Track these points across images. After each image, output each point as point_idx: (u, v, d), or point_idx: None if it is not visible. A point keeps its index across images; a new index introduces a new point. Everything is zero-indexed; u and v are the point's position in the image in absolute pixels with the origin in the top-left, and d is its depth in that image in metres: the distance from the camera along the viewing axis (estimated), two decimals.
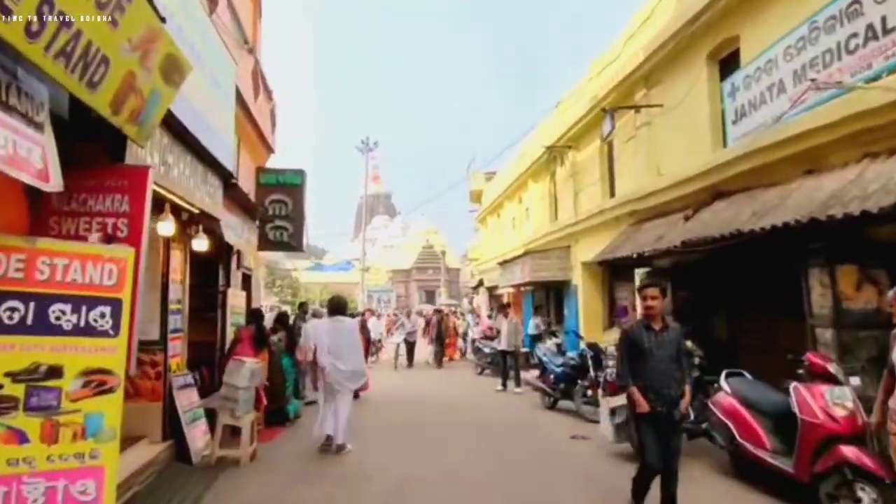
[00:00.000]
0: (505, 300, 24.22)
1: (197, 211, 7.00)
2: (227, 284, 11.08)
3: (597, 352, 10.64)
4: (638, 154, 12.14)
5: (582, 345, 11.36)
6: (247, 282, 13.15)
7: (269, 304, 28.55)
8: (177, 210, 6.80)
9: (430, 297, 75.26)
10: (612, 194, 13.92)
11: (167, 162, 5.78)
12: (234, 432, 7.34)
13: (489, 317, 22.52)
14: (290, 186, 14.13)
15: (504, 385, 14.11)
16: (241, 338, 9.12)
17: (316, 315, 13.37)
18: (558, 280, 16.57)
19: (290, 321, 13.44)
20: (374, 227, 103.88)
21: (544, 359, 11.78)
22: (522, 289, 20.86)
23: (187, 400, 7.52)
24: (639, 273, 12.24)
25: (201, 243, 7.49)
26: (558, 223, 17.27)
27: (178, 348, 7.72)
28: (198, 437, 7.43)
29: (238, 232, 9.64)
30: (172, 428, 7.17)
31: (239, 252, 11.92)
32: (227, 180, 8.09)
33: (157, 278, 7.15)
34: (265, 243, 13.91)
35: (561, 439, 8.88)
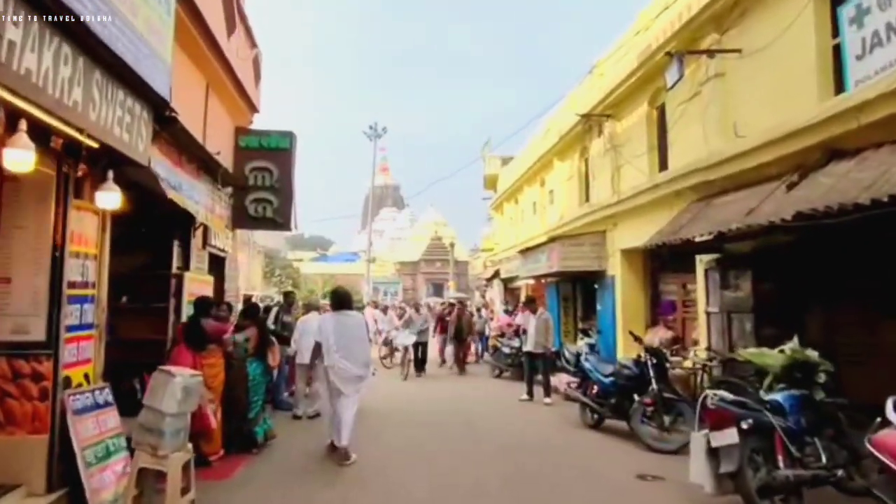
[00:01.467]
0: (523, 293, 21.88)
1: (96, 145, 4.60)
2: (186, 267, 8.71)
3: (660, 359, 8.23)
4: (704, 114, 9.68)
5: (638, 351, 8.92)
6: (218, 265, 10.78)
7: (259, 294, 26.25)
8: (74, 145, 4.43)
9: (438, 289, 73.27)
10: (665, 167, 11.46)
11: (13, 42, 3.37)
12: (159, 477, 4.97)
13: (506, 312, 20.10)
14: (275, 151, 11.77)
15: (530, 394, 11.75)
16: (177, 338, 6.81)
17: (311, 307, 10.98)
18: (591, 270, 14.13)
19: (273, 314, 11.11)
20: (382, 219, 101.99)
21: (586, 365, 9.39)
22: (544, 281, 18.43)
23: (94, 428, 5.15)
24: (703, 261, 9.81)
25: (109, 197, 5.05)
26: (591, 205, 14.82)
27: (86, 352, 5.36)
28: (106, 484, 5.05)
29: (194, 195, 7.25)
30: (65, 471, 4.81)
31: (206, 228, 9.55)
32: (161, 112, 5.67)
33: (42, 247, 4.77)
34: (245, 219, 11.56)
35: (621, 479, 6.52)
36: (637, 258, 13.18)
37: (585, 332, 14.00)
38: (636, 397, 8.16)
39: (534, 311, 12.05)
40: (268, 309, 11.71)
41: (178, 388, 5.09)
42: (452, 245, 69.82)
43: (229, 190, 10.50)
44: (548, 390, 11.48)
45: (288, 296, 11.58)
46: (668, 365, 8.50)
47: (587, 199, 15.94)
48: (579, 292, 17.19)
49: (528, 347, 11.90)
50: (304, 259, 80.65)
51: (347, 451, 7.08)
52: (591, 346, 13.45)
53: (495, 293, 27.21)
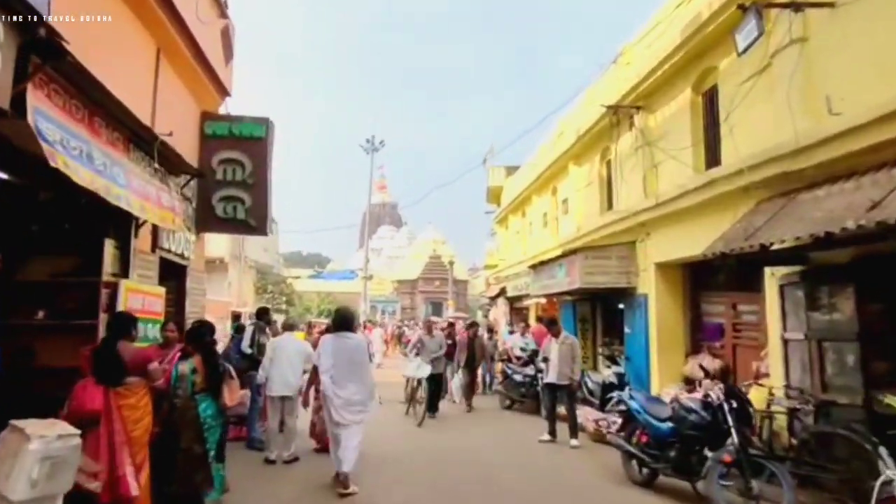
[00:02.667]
0: (532, 313, 19.82)
1: None
2: (124, 274, 6.69)
3: (741, 402, 6.21)
4: (780, 91, 7.73)
5: (708, 388, 6.85)
6: (176, 276, 8.76)
7: (249, 310, 24.17)
8: None
9: (437, 309, 71.44)
10: (715, 161, 9.52)
11: None
12: None
13: (511, 333, 18.07)
14: (249, 140, 9.84)
15: (552, 433, 9.68)
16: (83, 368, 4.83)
17: (288, 326, 8.90)
18: (618, 288, 12.12)
19: (248, 335, 9.06)
20: (380, 237, 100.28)
21: (632, 404, 7.32)
22: (558, 299, 16.39)
23: None
24: (777, 274, 7.81)
25: None
26: (617, 213, 12.83)
27: None
28: None
29: (117, 176, 5.23)
30: None
31: (157, 228, 7.56)
32: (34, 34, 3.64)
33: None
34: (211, 220, 9.58)
35: None
36: (675, 273, 11.19)
37: (612, 360, 12.02)
38: (707, 451, 6.12)
39: (556, 335, 10.01)
40: (241, 329, 9.69)
41: (34, 460, 3.07)
42: (451, 263, 67.95)
43: (189, 183, 8.51)
44: (574, 430, 9.41)
45: (263, 314, 9.52)
46: (751, 410, 6.46)
47: (610, 207, 13.98)
48: (599, 312, 15.16)
49: (550, 378, 9.84)
50: (300, 276, 78.70)
51: (347, 480, 6.45)
52: (620, 376, 11.53)
53: (500, 313, 25.13)
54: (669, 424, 6.57)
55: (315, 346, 8.77)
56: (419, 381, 11.58)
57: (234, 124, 9.85)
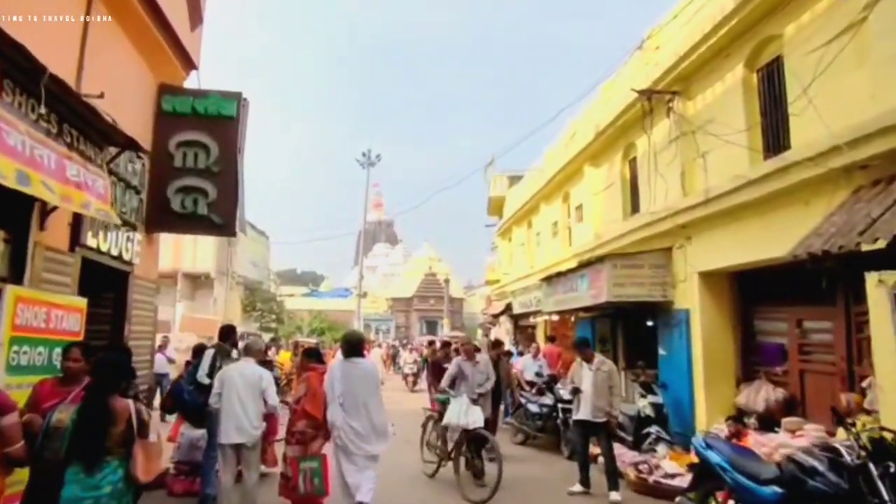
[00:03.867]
0: (540, 332, 17.87)
1: None
2: (14, 277, 4.78)
3: None
4: (879, 50, 5.95)
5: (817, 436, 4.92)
6: (114, 285, 6.83)
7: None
8: None
9: (432, 327, 69.66)
10: (780, 146, 7.70)
11: None
12: None
13: (520, 353, 16.13)
14: (215, 120, 7.98)
15: (585, 483, 7.70)
16: None
17: (250, 351, 6.80)
18: (651, 302, 10.23)
19: (206, 362, 7.08)
20: (375, 255, 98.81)
21: (714, 458, 5.34)
22: (573, 317, 14.47)
23: None
24: (884, 283, 5.92)
25: None
26: (644, 216, 10.96)
27: None
28: None
29: None
30: None
31: (78, 220, 5.66)
32: None
33: None
34: (165, 216, 7.66)
35: None
36: (722, 284, 9.33)
37: (647, 387, 10.05)
38: None
39: (588, 359, 8.06)
40: (201, 349, 7.72)
41: None
42: (447, 281, 66.27)
43: (119, 157, 6.59)
44: (615, 480, 7.42)
45: (227, 334, 7.51)
46: None
47: (635, 210, 12.14)
48: (621, 331, 13.25)
49: (582, 415, 7.84)
50: (294, 294, 76.56)
51: None
52: (658, 408, 9.61)
53: (503, 332, 23.16)
54: (775, 489, 4.62)
55: (300, 369, 7.61)
56: (466, 433, 7.66)
57: (199, 100, 8.00)
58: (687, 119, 9.71)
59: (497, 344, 12.17)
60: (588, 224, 14.59)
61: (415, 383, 21.54)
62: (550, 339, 15.28)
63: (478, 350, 10.15)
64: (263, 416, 6.21)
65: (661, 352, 10.47)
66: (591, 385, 7.74)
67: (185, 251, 27.67)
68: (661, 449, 9.05)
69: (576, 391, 8.02)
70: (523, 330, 20.76)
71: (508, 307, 18.53)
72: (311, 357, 7.32)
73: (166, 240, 28.56)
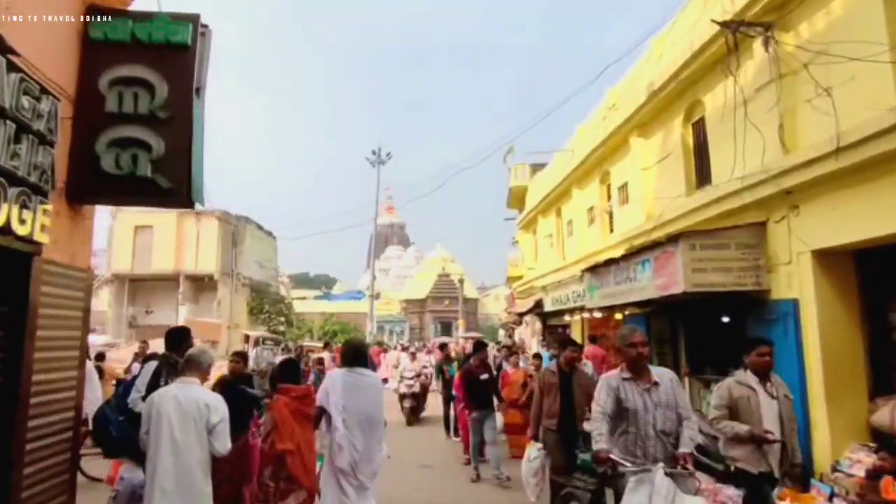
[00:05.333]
0: (580, 332, 15.46)
1: None
2: None
3: None
4: None
5: None
6: (10, 274, 4.55)
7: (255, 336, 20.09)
8: None
9: (447, 328, 67.53)
10: None
11: None
12: None
13: (556, 357, 13.77)
14: (163, 50, 5.67)
15: None
16: None
17: (191, 365, 4.40)
18: (741, 292, 7.82)
19: (145, 379, 4.84)
20: (388, 257, 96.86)
21: None
22: (624, 313, 12.08)
23: None
24: None
25: None
26: (722, 187, 8.56)
27: None
28: None
29: None
30: None
31: None
32: None
33: None
34: (91, 178, 5.38)
35: None
36: (846, 266, 6.96)
37: None
38: None
39: (763, 370, 5.31)
40: (151, 357, 5.49)
41: None
42: (462, 281, 63.97)
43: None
44: None
45: (180, 339, 5.23)
46: None
47: (702, 182, 9.79)
48: (682, 330, 10.87)
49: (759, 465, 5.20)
50: (307, 297, 74.56)
51: None
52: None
53: (528, 333, 20.75)
54: None
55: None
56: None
57: (141, 24, 5.69)
58: (786, 59, 7.33)
59: (567, 342, 8.00)
60: (636, 205, 12.20)
61: (415, 410, 13.88)
62: (592, 339, 12.87)
63: (574, 345, 7.69)
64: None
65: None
66: (776, 415, 5.14)
67: (188, 252, 25.72)
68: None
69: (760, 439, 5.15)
70: (553, 330, 18.35)
71: (538, 304, 16.15)
72: (287, 374, 5.16)
73: (166, 240, 26.94)
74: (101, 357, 10.50)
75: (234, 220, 27.52)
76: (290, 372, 5.30)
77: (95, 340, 20.55)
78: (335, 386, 4.97)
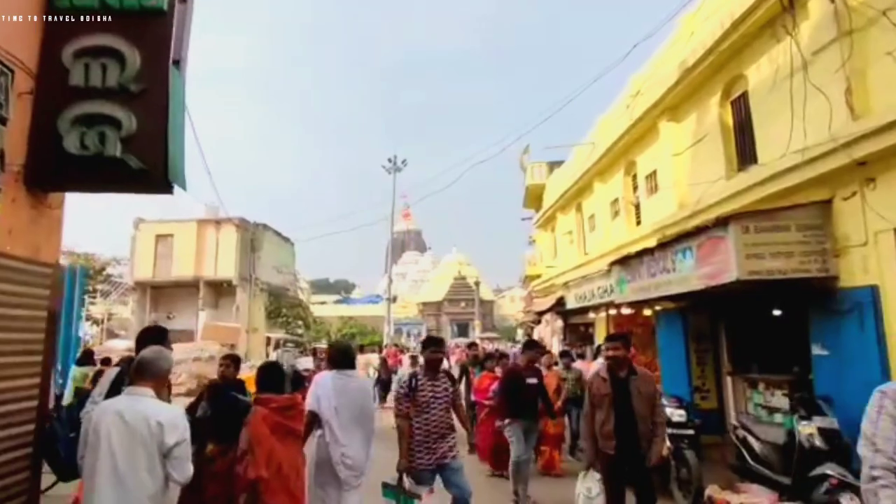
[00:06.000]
0: (602, 330, 14.32)
1: None
2: None
3: None
4: None
5: None
6: None
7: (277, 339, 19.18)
8: None
9: (463, 330, 66.55)
10: None
11: None
12: None
13: (581, 356, 12.67)
14: (136, 16, 4.69)
15: None
16: None
17: (144, 373, 3.34)
18: (806, 278, 6.68)
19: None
20: (405, 263, 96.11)
21: None
22: (656, 308, 10.94)
23: None
24: None
25: None
26: (771, 166, 7.44)
27: None
28: None
29: None
30: None
31: None
32: None
33: None
34: (57, 160, 4.39)
35: None
36: None
37: (808, 405, 6.49)
38: None
39: None
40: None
41: None
42: (477, 284, 63.01)
43: None
44: None
45: (152, 343, 4.17)
46: None
47: (745, 162, 8.67)
48: (724, 326, 9.73)
49: None
50: (327, 302, 73.94)
51: None
52: (832, 436, 6.11)
53: (548, 332, 19.61)
54: None
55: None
56: None
57: None
58: (856, 12, 6.21)
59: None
60: (666, 193, 11.06)
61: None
62: (618, 337, 11.72)
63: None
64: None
65: (818, 351, 6.91)
66: None
67: (207, 259, 25.13)
68: (847, 501, 5.57)
69: None
70: (575, 328, 17.21)
71: (559, 302, 15.02)
72: (267, 381, 4.24)
73: (186, 247, 26.32)
74: (106, 362, 9.63)
75: (252, 226, 26.78)
76: (272, 378, 4.34)
77: (117, 345, 19.80)
78: (326, 388, 4.71)
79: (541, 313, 18.39)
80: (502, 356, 10.23)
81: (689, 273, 7.69)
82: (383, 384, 15.62)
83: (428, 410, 5.02)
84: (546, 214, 20.92)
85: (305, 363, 15.10)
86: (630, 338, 11.56)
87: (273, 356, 18.36)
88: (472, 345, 12.80)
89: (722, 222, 6.85)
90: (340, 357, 4.92)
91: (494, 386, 8.24)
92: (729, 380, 9.55)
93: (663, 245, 8.44)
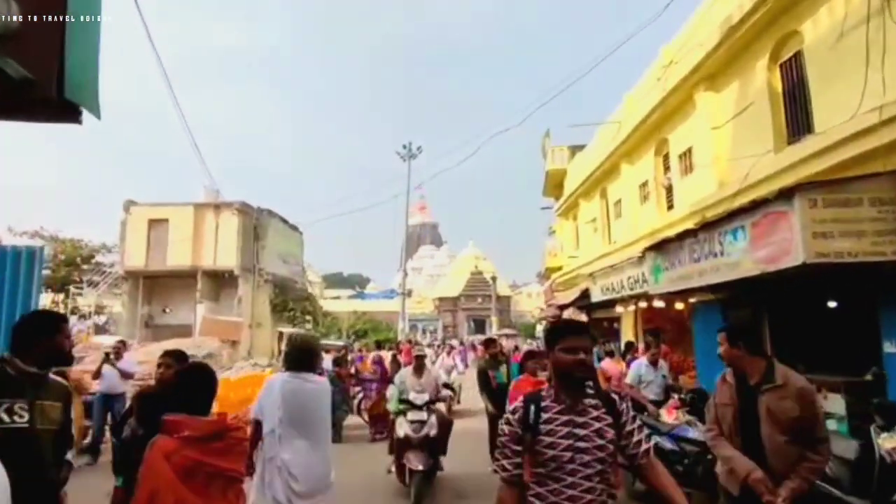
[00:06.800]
0: (630, 325, 13.43)
1: None
2: None
3: None
4: None
5: None
6: None
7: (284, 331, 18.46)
8: None
9: (480, 326, 65.64)
10: None
11: None
12: None
13: (610, 354, 11.76)
14: None
15: None
16: None
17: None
18: (881, 260, 5.76)
19: None
20: (421, 257, 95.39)
21: None
22: (689, 301, 10.04)
23: None
24: None
25: None
26: (829, 136, 6.53)
27: None
28: None
29: None
30: None
31: None
32: None
33: None
34: None
35: None
36: None
37: (884, 411, 5.58)
38: None
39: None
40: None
41: None
42: (494, 279, 62.02)
43: None
44: None
45: (32, 336, 3.21)
46: None
47: (797, 133, 7.75)
48: (768, 319, 8.80)
49: None
50: (340, 297, 73.31)
51: None
52: None
53: None
54: None
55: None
56: None
57: None
58: None
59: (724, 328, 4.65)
60: (704, 172, 10.13)
61: (430, 472, 7.04)
62: (653, 333, 10.79)
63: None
64: None
65: (891, 349, 6.01)
66: None
67: (206, 246, 24.15)
68: None
69: None
70: (598, 323, 16.29)
71: (584, 294, 14.14)
72: (185, 395, 2.80)
73: (183, 234, 25.26)
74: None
75: (256, 212, 25.81)
76: (196, 389, 2.77)
77: (106, 342, 19.06)
78: (272, 392, 4.11)
79: (563, 307, 17.50)
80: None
81: (741, 256, 6.78)
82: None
83: (563, 472, 2.40)
84: (568, 201, 19.98)
85: (325, 362, 14.15)
86: (659, 333, 10.74)
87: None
88: (489, 341, 9.88)
89: (785, 194, 5.92)
90: (298, 356, 4.25)
91: None
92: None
93: (709, 224, 7.52)
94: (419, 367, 7.63)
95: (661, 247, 9.06)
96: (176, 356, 3.98)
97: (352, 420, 12.29)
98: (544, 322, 23.69)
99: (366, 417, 12.02)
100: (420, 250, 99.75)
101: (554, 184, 22.02)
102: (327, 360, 13.90)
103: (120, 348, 9.41)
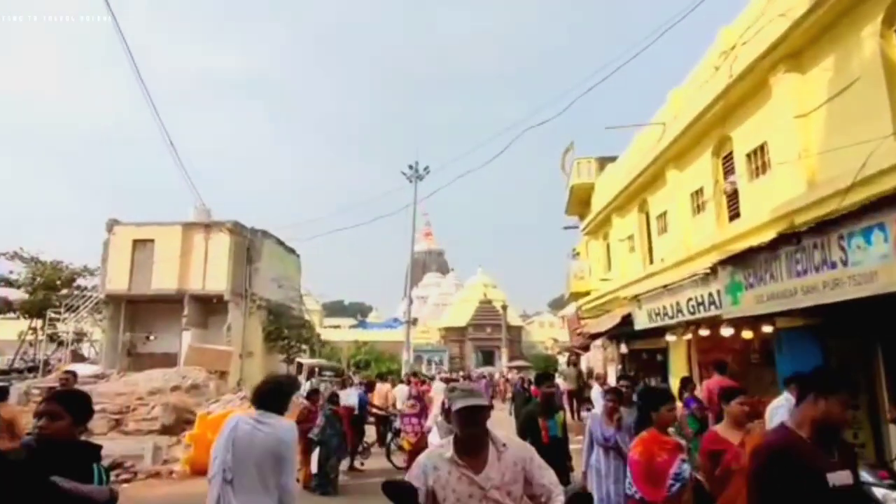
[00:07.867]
0: (683, 356, 11.78)
1: None
2: None
3: None
4: None
5: None
6: None
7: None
8: None
9: (488, 357, 63.78)
10: None
11: None
12: None
13: (686, 394, 10.07)
14: None
15: None
16: None
17: None
18: None
19: None
20: (426, 285, 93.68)
21: None
22: (771, 328, 8.44)
23: None
24: None
25: None
26: None
27: None
28: None
29: None
30: None
31: None
32: None
33: None
34: None
35: None
36: None
37: None
38: None
39: None
40: None
41: None
42: (505, 308, 60.35)
43: None
44: None
45: None
46: None
47: None
48: (881, 351, 7.20)
49: None
50: (341, 326, 71.70)
51: None
52: None
53: (598, 360, 17.03)
54: None
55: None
56: None
57: None
58: None
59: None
60: (784, 170, 8.58)
61: None
62: (719, 367, 9.16)
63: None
64: None
65: None
66: None
67: (194, 269, 22.79)
68: None
69: None
70: (636, 355, 14.64)
71: (625, 321, 12.50)
72: None
73: (169, 255, 23.82)
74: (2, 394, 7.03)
75: (249, 232, 24.47)
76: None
77: (83, 371, 17.55)
78: (223, 433, 3.94)
79: (594, 336, 15.85)
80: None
81: (876, 265, 5.20)
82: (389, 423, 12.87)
83: None
84: (597, 218, 18.42)
85: (350, 397, 12.04)
86: (726, 366, 9.10)
87: (306, 386, 15.46)
88: (544, 377, 6.99)
89: None
90: (265, 395, 4.03)
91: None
92: (893, 429, 7.01)
93: (823, 225, 5.95)
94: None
95: (741, 259, 7.47)
96: (62, 398, 2.51)
97: (377, 463, 11.23)
98: (567, 354, 21.94)
99: (401, 460, 10.79)
100: (425, 278, 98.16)
101: (579, 200, 20.53)
102: (352, 394, 12.03)
103: (68, 380, 7.87)
